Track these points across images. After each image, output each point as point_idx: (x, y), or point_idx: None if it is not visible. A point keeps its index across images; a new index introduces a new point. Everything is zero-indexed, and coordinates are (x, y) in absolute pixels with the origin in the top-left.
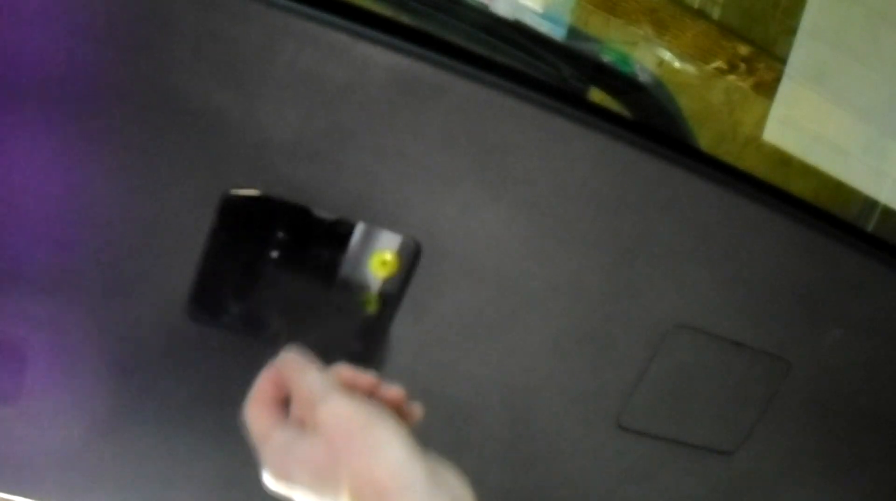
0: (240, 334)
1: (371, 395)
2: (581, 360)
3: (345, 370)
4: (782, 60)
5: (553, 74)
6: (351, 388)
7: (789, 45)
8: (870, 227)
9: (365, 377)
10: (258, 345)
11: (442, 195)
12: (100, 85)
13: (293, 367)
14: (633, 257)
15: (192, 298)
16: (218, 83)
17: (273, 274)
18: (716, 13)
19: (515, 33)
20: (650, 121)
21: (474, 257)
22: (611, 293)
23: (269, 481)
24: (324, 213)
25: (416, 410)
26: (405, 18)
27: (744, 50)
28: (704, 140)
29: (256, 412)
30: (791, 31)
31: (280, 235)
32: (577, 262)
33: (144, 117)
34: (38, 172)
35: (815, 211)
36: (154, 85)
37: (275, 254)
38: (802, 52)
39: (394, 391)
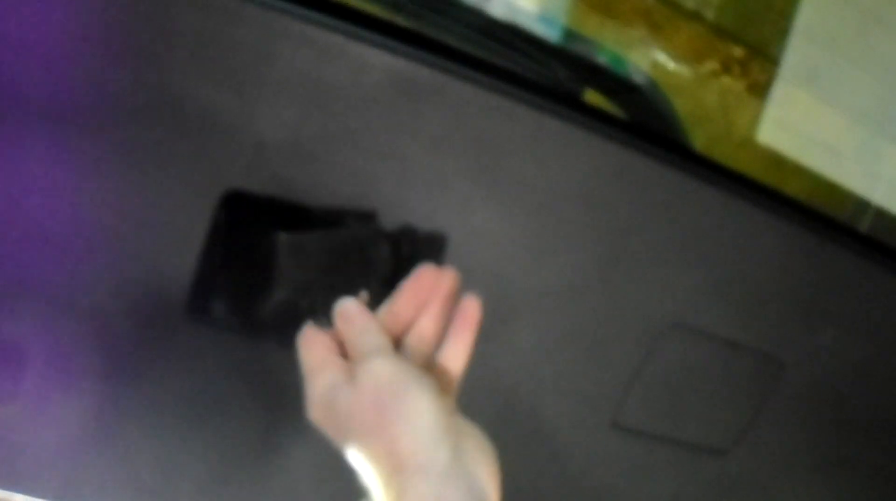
0: (238, 333)
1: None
2: (576, 359)
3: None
4: (776, 62)
5: (548, 76)
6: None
7: (783, 46)
8: (863, 228)
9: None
10: (257, 345)
11: (438, 196)
12: (98, 87)
13: (348, 315)
14: (628, 257)
15: (190, 298)
16: (216, 85)
17: (271, 274)
18: (710, 15)
19: (510, 35)
20: (645, 122)
21: (470, 257)
22: (606, 293)
23: (309, 415)
24: (322, 213)
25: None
26: (401, 20)
27: (738, 51)
28: (698, 141)
29: (311, 344)
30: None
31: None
32: (572, 262)
33: (142, 119)
34: (37, 174)
35: (808, 212)
36: (152, 87)
37: (273, 254)
38: (796, 54)
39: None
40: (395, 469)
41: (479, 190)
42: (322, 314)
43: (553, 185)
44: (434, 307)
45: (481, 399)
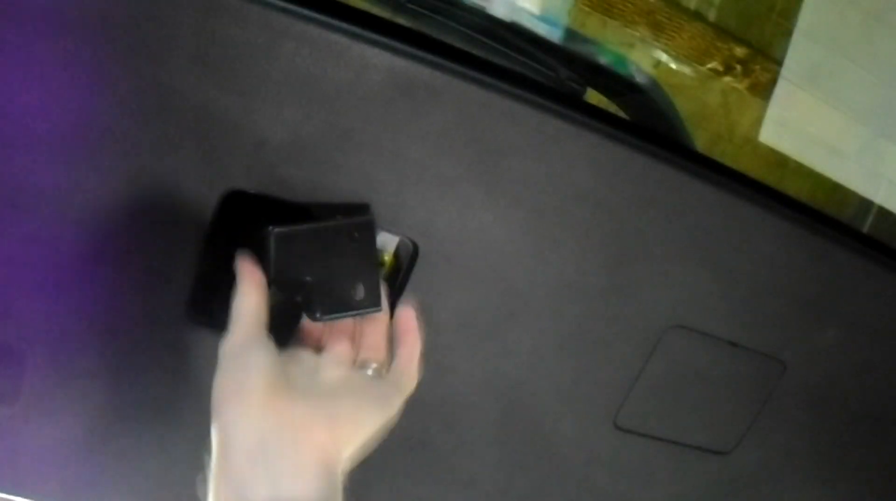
0: None
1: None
2: (577, 361)
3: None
4: (778, 62)
5: (550, 76)
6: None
7: (785, 46)
8: (865, 228)
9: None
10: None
11: (439, 196)
12: (97, 86)
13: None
14: (630, 257)
15: (190, 299)
16: (216, 84)
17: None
18: (712, 15)
19: (512, 35)
20: (647, 122)
21: (471, 258)
22: (607, 294)
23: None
24: (322, 212)
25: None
26: (402, 20)
27: (740, 51)
28: (701, 141)
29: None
30: (787, 33)
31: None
32: (573, 263)
33: (142, 118)
34: (36, 174)
35: (810, 212)
36: (152, 86)
37: (265, 248)
38: (798, 54)
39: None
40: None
41: (479, 190)
42: (317, 308)
43: (554, 185)
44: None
45: (482, 400)
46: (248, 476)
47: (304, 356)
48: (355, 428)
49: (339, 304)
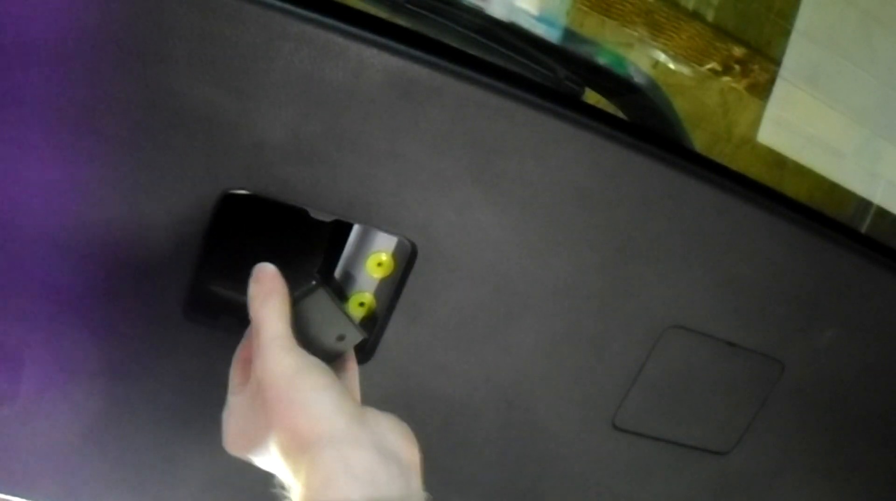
0: (236, 334)
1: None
2: (576, 361)
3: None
4: (776, 62)
5: (548, 76)
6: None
7: (783, 46)
8: (863, 228)
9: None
10: None
11: (437, 197)
12: (97, 86)
13: (260, 277)
14: (628, 258)
15: (188, 298)
16: (214, 85)
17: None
18: (710, 15)
19: (510, 35)
20: (645, 122)
21: (470, 259)
22: (605, 294)
23: (226, 446)
24: (320, 214)
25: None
26: (400, 20)
27: (738, 51)
28: (699, 141)
29: (231, 374)
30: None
31: (276, 236)
32: (572, 263)
33: (141, 119)
34: (35, 174)
35: (808, 212)
36: (150, 86)
37: (271, 255)
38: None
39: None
40: (301, 450)
41: (478, 190)
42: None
43: (552, 185)
44: None
45: (480, 400)
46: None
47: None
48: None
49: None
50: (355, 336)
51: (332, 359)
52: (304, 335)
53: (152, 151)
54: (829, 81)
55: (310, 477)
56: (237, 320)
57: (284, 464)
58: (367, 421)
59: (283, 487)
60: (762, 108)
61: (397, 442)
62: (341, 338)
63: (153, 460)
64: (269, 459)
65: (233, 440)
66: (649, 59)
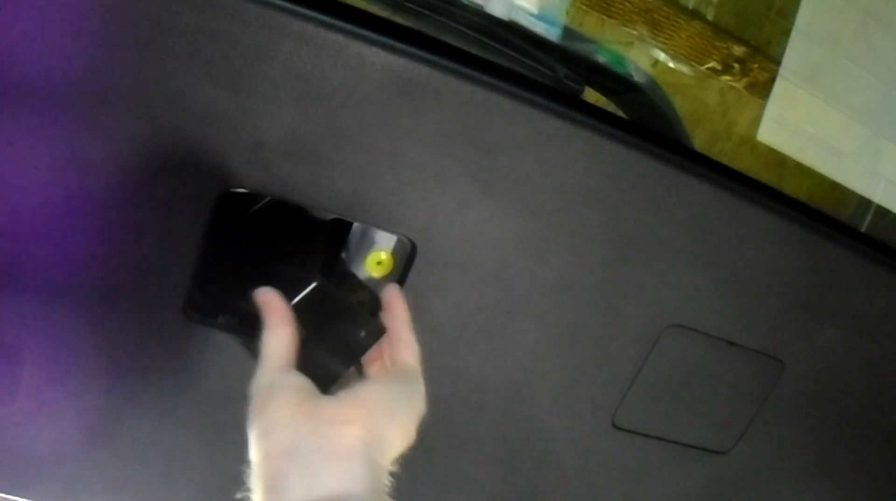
0: (235, 333)
1: None
2: (576, 360)
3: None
4: (776, 61)
5: (548, 75)
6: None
7: (783, 45)
8: (863, 227)
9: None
10: (254, 345)
11: (437, 195)
12: (97, 84)
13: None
14: (627, 256)
15: (188, 297)
16: (214, 83)
17: (269, 274)
18: (710, 14)
19: (510, 34)
20: (645, 121)
21: (469, 257)
22: (605, 293)
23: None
24: (320, 213)
25: None
26: (400, 19)
27: (738, 50)
28: (699, 140)
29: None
30: (785, 32)
31: (276, 234)
32: (571, 262)
33: (141, 117)
34: (35, 173)
35: (809, 211)
36: (150, 85)
37: (271, 253)
38: (796, 53)
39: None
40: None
41: (477, 189)
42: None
43: (552, 184)
44: None
45: (480, 398)
46: (287, 475)
47: None
48: (390, 417)
49: (350, 351)
50: (375, 329)
51: (355, 356)
52: (320, 335)
53: (152, 149)
54: (829, 79)
55: (263, 482)
56: (237, 319)
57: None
58: (323, 431)
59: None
60: (762, 107)
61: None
62: (360, 331)
63: (153, 460)
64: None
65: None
66: (649, 57)
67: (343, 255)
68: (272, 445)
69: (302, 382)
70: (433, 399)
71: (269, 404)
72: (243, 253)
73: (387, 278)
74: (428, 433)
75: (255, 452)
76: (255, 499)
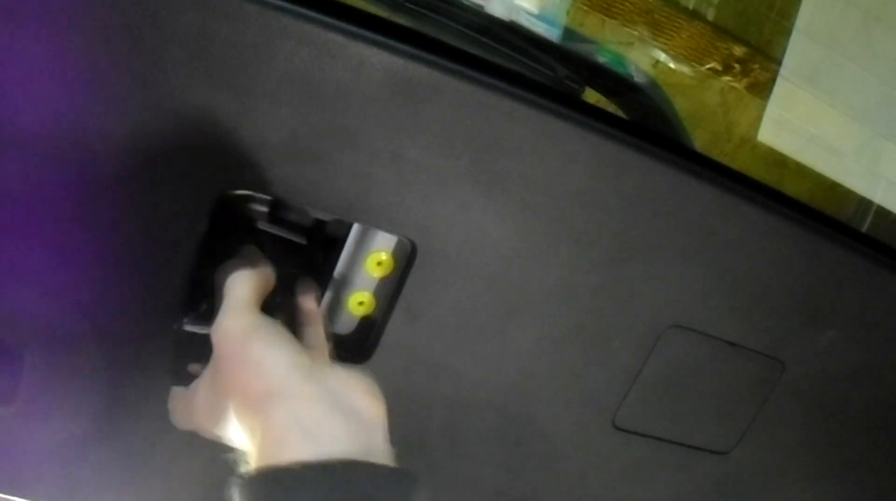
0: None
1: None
2: (576, 360)
3: None
4: (777, 61)
5: (548, 75)
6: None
7: (784, 45)
8: (864, 227)
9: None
10: None
11: (437, 196)
12: (95, 85)
13: (225, 284)
14: (628, 257)
15: (185, 300)
16: (213, 84)
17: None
18: (710, 14)
19: (511, 34)
20: (645, 121)
21: (470, 258)
22: (605, 294)
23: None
24: (319, 213)
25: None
26: (400, 19)
27: (738, 51)
28: (699, 141)
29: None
30: (786, 32)
31: (276, 236)
32: (572, 262)
33: (140, 118)
34: (32, 173)
35: (809, 212)
36: (148, 85)
37: (270, 255)
38: (797, 53)
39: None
40: (255, 411)
41: (477, 189)
42: (287, 309)
43: (552, 184)
44: None
45: (480, 399)
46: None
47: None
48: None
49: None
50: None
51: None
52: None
53: (151, 150)
54: (830, 80)
55: (263, 438)
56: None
57: (241, 429)
58: (325, 377)
59: (238, 455)
60: (762, 107)
61: (358, 397)
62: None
63: (153, 460)
64: (230, 427)
65: (197, 414)
66: (649, 58)
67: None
68: (268, 391)
69: (283, 329)
70: (434, 400)
71: (255, 345)
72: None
73: (387, 279)
74: (427, 433)
75: (239, 398)
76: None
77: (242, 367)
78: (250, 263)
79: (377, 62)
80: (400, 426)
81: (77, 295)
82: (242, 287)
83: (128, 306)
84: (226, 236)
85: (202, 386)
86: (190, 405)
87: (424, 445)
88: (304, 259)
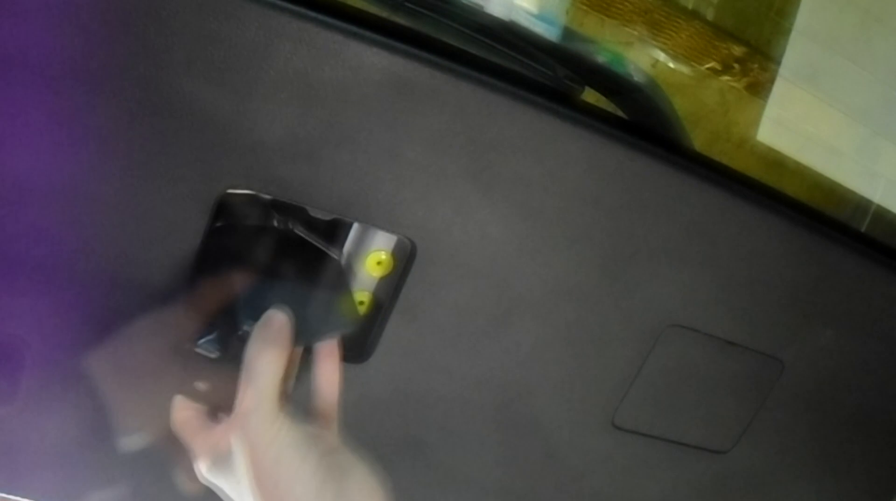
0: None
1: None
2: (575, 360)
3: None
4: (776, 61)
5: (547, 75)
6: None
7: (783, 45)
8: (863, 227)
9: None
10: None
11: (437, 195)
12: (94, 84)
13: (251, 363)
14: (627, 256)
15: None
16: (213, 83)
17: (268, 274)
18: (710, 14)
19: (510, 34)
20: (644, 121)
21: (469, 257)
22: (604, 293)
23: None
24: (319, 213)
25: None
26: (399, 19)
27: (738, 50)
28: (698, 140)
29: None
30: (785, 32)
31: (275, 235)
32: (571, 262)
33: (139, 118)
34: (33, 173)
35: (808, 211)
36: (149, 85)
37: (270, 254)
38: (796, 53)
39: None
40: None
41: (477, 189)
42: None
43: (551, 184)
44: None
45: (479, 399)
46: None
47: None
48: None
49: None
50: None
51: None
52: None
53: (150, 150)
54: (829, 80)
55: None
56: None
57: None
58: (348, 491)
59: None
60: (762, 107)
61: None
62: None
63: (153, 459)
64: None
65: (205, 465)
66: (649, 58)
67: (343, 254)
68: None
69: (307, 430)
70: (433, 399)
71: (284, 472)
72: (242, 253)
73: (387, 279)
74: (427, 433)
75: None
76: None
77: (276, 489)
78: (278, 338)
79: (376, 62)
80: (400, 426)
81: (76, 295)
82: (268, 374)
83: (128, 306)
84: (230, 237)
85: (215, 439)
86: (200, 444)
87: (423, 444)
88: (312, 259)
